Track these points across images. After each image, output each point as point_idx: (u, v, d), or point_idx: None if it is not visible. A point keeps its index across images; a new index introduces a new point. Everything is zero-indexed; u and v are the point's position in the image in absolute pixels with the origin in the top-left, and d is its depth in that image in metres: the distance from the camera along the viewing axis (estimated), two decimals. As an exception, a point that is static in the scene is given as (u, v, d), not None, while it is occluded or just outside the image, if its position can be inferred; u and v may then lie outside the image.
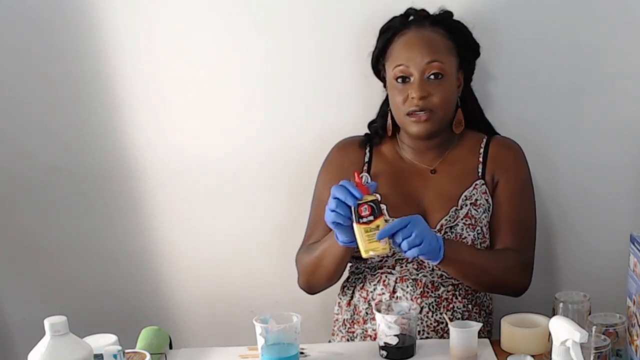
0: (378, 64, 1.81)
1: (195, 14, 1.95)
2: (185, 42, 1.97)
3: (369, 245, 1.52)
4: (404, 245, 1.52)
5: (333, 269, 1.72)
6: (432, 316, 1.72)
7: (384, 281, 1.75)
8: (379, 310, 1.58)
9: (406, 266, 1.74)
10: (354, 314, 1.79)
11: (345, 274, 1.83)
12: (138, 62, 1.98)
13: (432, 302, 1.72)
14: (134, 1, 1.94)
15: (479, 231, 1.72)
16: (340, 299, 1.85)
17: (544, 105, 1.98)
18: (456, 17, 1.78)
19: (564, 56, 1.95)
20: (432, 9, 1.77)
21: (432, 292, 1.73)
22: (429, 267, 1.73)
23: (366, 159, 1.82)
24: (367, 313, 1.76)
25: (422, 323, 1.71)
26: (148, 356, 1.46)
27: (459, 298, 1.74)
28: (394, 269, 1.75)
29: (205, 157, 2.05)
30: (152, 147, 2.05)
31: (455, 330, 1.52)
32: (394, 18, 1.77)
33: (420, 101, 1.68)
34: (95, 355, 1.36)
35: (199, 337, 2.15)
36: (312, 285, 1.80)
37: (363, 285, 1.78)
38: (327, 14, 1.94)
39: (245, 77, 2.00)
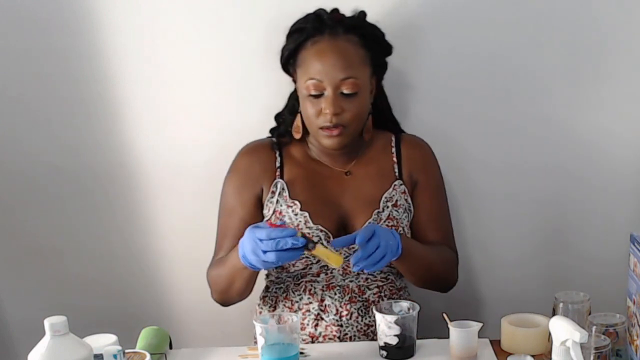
0: (288, 65, 1.76)
1: (195, 14, 1.95)
2: (185, 42, 1.97)
3: (336, 255, 1.54)
4: (373, 258, 1.52)
5: (244, 287, 1.71)
6: (362, 320, 1.74)
7: (310, 290, 1.74)
8: (379, 311, 1.58)
9: (331, 273, 1.73)
10: None
11: (263, 284, 1.84)
12: (138, 62, 1.98)
13: (360, 307, 1.73)
14: (134, 2, 1.94)
15: (401, 231, 1.72)
16: (262, 308, 1.83)
17: (541, 110, 1.99)
18: (372, 19, 1.74)
19: (556, 58, 1.95)
20: (349, 9, 1.74)
21: (359, 296, 1.74)
22: (354, 273, 1.73)
23: (277, 164, 1.79)
24: None
25: (353, 328, 1.73)
26: (148, 356, 1.46)
27: (385, 299, 1.74)
28: (318, 276, 1.74)
29: (206, 156, 2.05)
30: (152, 147, 2.05)
31: (455, 330, 1.52)
32: (307, 17, 1.71)
33: (334, 117, 1.66)
34: (95, 355, 1.36)
35: (199, 337, 2.15)
36: (224, 301, 1.79)
37: (286, 295, 1.77)
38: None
39: (246, 77, 2.00)
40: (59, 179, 2.08)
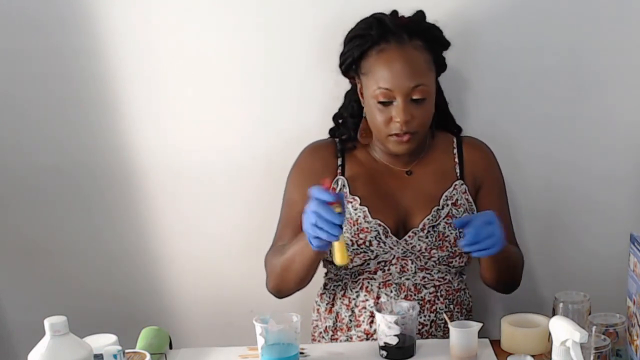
0: (350, 70, 1.75)
1: (195, 13, 1.95)
2: (184, 42, 1.97)
3: (345, 255, 1.54)
4: (487, 242, 1.52)
5: (303, 273, 1.69)
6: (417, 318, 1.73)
7: (367, 287, 1.75)
8: (379, 311, 1.58)
9: (389, 270, 1.73)
10: (336, 321, 1.79)
11: (322, 281, 1.83)
12: (137, 62, 1.98)
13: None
14: (133, 1, 1.94)
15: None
16: (319, 305, 1.84)
17: (542, 108, 1.98)
18: (429, 18, 1.74)
19: (559, 59, 1.95)
20: (406, 9, 1.73)
21: (415, 295, 1.73)
22: (411, 271, 1.74)
23: (339, 162, 1.80)
24: (350, 320, 1.77)
25: None
26: (148, 356, 1.46)
27: (441, 299, 1.75)
28: (375, 274, 1.74)
29: (205, 157, 2.05)
30: (152, 147, 2.05)
31: (455, 330, 1.52)
32: (369, 24, 1.69)
33: (404, 125, 1.66)
34: (95, 355, 1.36)
35: (199, 337, 2.15)
36: (280, 289, 1.76)
37: (344, 293, 1.78)
38: (325, 13, 1.93)
39: (245, 76, 2.00)
40: (59, 180, 2.08)
